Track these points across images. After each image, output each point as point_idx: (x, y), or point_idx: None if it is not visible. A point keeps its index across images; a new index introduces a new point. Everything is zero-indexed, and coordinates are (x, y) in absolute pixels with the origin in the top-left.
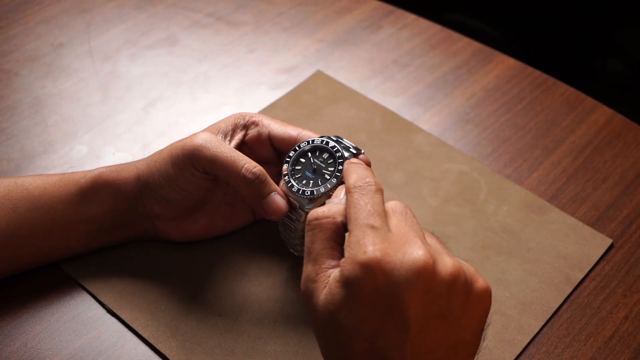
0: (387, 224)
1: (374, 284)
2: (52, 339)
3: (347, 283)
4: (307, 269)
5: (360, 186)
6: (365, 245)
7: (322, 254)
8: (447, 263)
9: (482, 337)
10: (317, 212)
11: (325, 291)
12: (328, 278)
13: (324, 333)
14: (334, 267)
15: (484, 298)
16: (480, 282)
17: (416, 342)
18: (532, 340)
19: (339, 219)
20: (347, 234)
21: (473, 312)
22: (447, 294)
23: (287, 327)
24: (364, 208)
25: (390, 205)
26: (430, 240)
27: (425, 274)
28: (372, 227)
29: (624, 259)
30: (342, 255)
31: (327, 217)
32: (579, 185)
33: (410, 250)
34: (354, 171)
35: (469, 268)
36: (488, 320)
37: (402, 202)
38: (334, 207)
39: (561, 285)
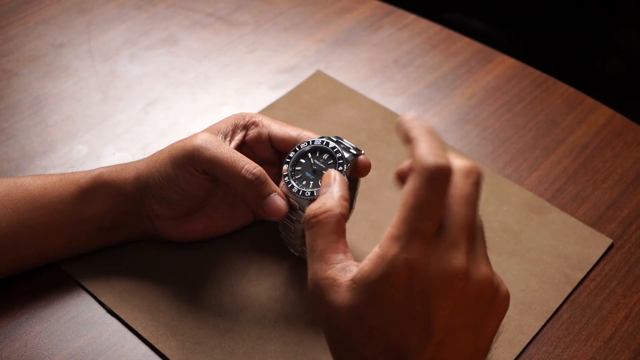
0: (446, 216)
1: (407, 287)
2: (52, 339)
3: (378, 282)
4: (314, 267)
5: (435, 178)
6: (406, 246)
7: (327, 249)
8: (480, 275)
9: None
10: (312, 209)
11: (345, 288)
12: (339, 273)
13: (339, 330)
14: (341, 261)
15: (504, 305)
16: (502, 289)
17: (437, 349)
18: (532, 340)
19: (337, 210)
20: (388, 229)
21: (492, 321)
22: (473, 305)
23: (287, 327)
24: (421, 208)
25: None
26: (479, 242)
27: (459, 285)
28: (419, 230)
29: (624, 259)
30: (345, 246)
31: (324, 212)
32: (579, 185)
33: (450, 257)
34: (427, 142)
35: (495, 275)
36: (500, 329)
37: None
38: (328, 200)
39: (561, 285)
